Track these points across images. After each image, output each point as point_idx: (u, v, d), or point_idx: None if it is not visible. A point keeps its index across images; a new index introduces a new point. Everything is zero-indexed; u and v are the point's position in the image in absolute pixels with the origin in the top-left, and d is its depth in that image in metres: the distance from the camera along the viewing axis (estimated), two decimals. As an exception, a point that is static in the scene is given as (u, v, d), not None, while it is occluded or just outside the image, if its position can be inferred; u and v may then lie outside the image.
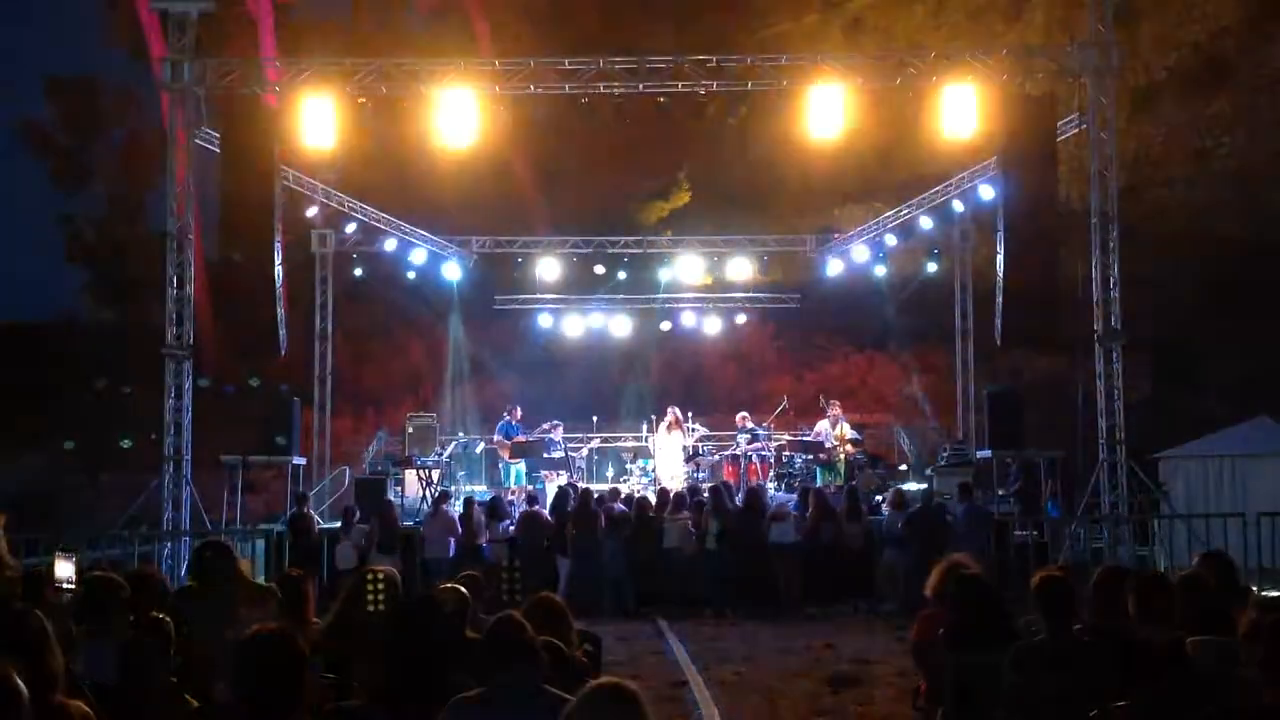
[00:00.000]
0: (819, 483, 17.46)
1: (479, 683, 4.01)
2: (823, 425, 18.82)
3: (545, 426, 19.28)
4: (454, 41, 31.59)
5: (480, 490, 18.56)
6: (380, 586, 5.25)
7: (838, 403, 19.09)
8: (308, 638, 4.47)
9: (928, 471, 18.06)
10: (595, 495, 15.61)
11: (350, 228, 20.73)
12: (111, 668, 4.26)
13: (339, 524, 15.29)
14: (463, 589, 5.50)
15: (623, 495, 16.43)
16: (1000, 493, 17.48)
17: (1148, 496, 15.58)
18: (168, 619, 4.53)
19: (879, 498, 16.47)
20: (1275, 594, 9.90)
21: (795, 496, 16.16)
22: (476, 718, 3.82)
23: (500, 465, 19.27)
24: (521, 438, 18.92)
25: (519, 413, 19.59)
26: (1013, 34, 31.65)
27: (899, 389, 25.95)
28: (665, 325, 23.70)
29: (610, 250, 22.39)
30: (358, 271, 22.25)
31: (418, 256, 21.29)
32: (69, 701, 3.54)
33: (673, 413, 19.15)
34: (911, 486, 17.60)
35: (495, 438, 19.53)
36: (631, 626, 13.24)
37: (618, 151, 31.78)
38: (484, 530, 14.95)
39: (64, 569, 5.99)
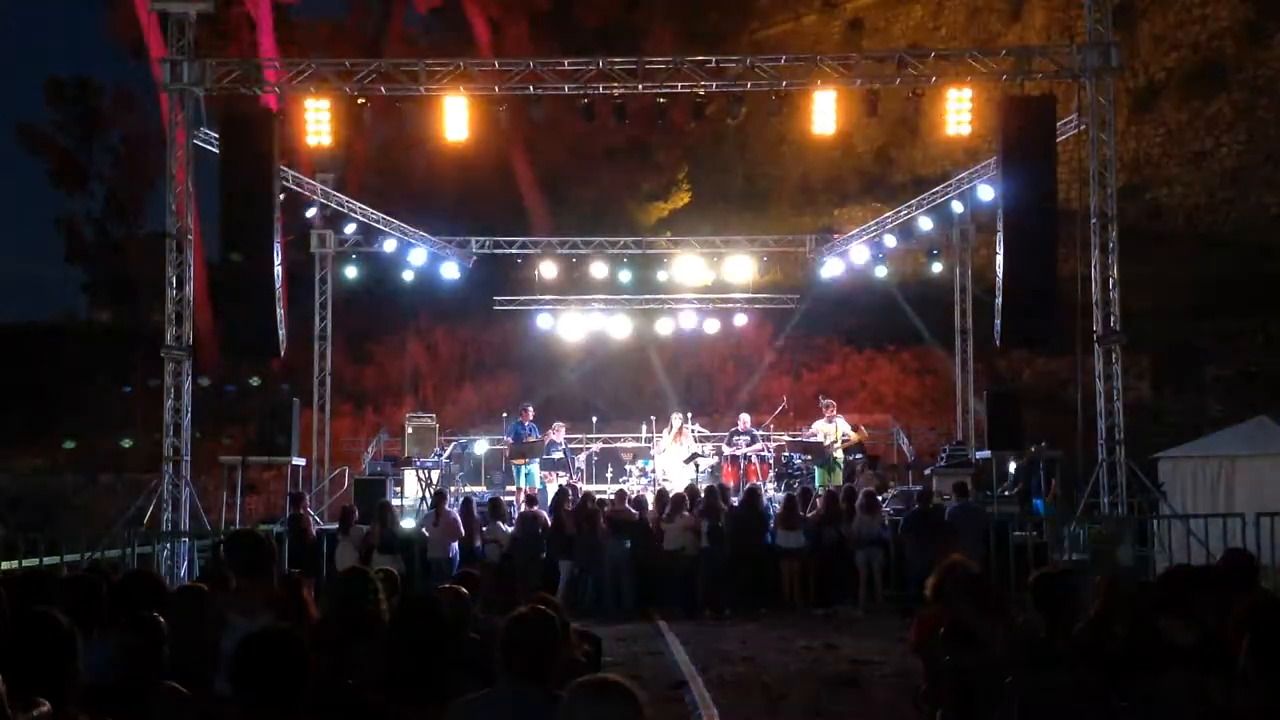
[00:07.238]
0: (817, 483, 17.45)
1: (481, 683, 4.00)
2: (819, 425, 18.84)
3: (552, 430, 19.04)
4: (453, 42, 31.67)
5: (480, 491, 18.51)
6: (380, 585, 5.23)
7: (834, 404, 19.08)
8: (309, 638, 4.46)
9: (927, 472, 18.05)
10: (595, 496, 15.58)
11: (350, 228, 20.70)
12: (107, 668, 4.25)
13: (337, 525, 15.26)
14: (462, 589, 5.49)
15: (625, 497, 16.38)
16: (1001, 493, 17.45)
17: (1147, 496, 15.57)
18: (162, 618, 4.51)
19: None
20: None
21: (783, 496, 16.11)
22: (478, 718, 3.80)
23: (512, 468, 18.69)
24: (533, 439, 18.65)
25: (531, 413, 18.95)
26: (1012, 34, 31.72)
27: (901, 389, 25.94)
28: (665, 326, 23.64)
29: (610, 250, 22.35)
30: (356, 271, 22.19)
31: (417, 257, 21.25)
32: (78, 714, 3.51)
33: (680, 419, 19.08)
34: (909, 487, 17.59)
35: (505, 439, 19.21)
36: (631, 627, 13.22)
37: (618, 151, 31.84)
38: (482, 531, 14.93)
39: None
